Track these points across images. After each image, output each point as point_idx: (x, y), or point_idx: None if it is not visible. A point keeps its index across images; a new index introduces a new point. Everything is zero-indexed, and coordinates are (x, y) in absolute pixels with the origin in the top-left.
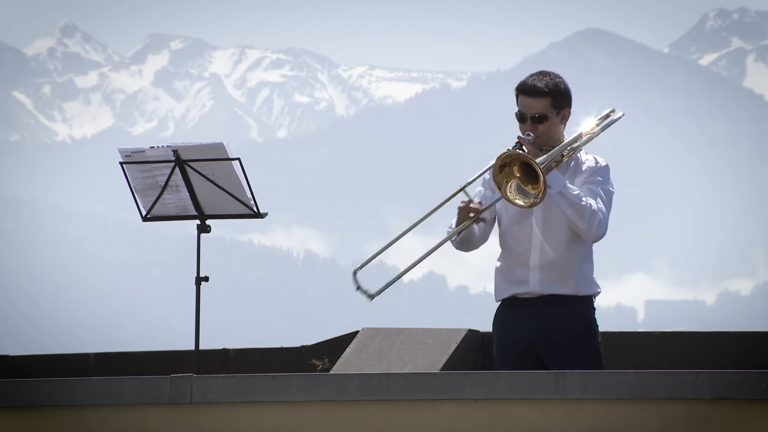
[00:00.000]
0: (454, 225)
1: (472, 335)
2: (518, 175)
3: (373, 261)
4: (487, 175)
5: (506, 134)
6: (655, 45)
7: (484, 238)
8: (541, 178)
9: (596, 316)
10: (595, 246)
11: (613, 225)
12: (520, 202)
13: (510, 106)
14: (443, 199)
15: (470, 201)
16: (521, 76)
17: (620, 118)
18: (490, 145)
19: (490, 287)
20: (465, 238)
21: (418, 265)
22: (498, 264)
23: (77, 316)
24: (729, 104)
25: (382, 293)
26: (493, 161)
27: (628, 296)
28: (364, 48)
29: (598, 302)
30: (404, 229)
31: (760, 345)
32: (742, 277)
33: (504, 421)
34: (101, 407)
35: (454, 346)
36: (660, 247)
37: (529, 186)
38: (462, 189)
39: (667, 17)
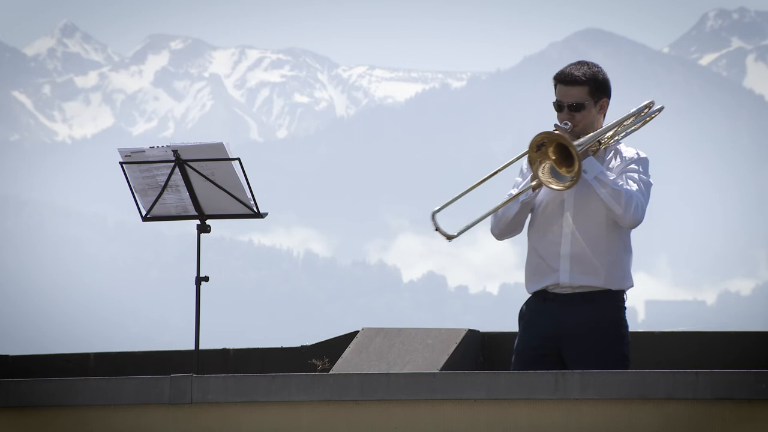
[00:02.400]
0: (514, 192)
1: (472, 335)
2: (553, 157)
3: (374, 262)
4: (524, 166)
5: (507, 134)
6: (655, 45)
7: (522, 225)
8: (577, 160)
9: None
10: None
11: None
12: (555, 186)
13: (510, 105)
14: (511, 160)
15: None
16: (521, 76)
17: (660, 110)
18: (490, 145)
19: (491, 287)
20: (519, 215)
21: (419, 267)
22: (528, 255)
23: (77, 316)
24: (729, 104)
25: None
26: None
27: (629, 296)
28: (364, 48)
29: None
30: (473, 184)
31: (760, 345)
32: (743, 277)
33: (504, 421)
34: (101, 407)
35: (454, 346)
36: (660, 247)
37: (564, 169)
38: (524, 154)
39: (667, 17)
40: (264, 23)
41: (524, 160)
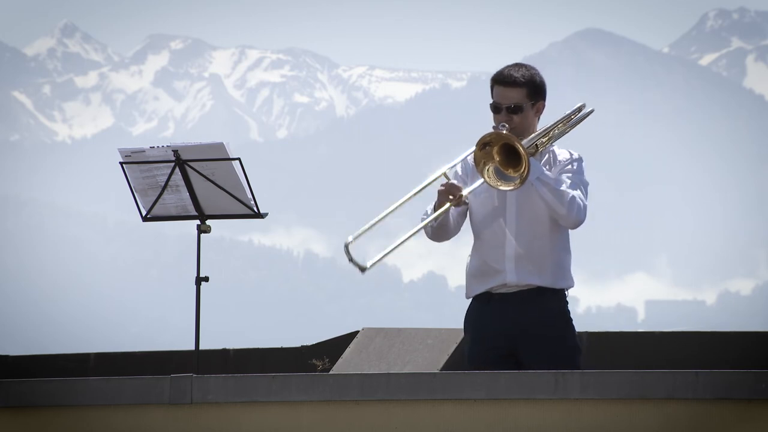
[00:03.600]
0: (429, 210)
1: None
2: (497, 158)
3: (374, 261)
4: (459, 169)
5: None
6: (655, 45)
7: (457, 228)
8: (524, 159)
9: (570, 309)
10: (596, 245)
11: (614, 224)
12: (503, 187)
13: None
14: (424, 183)
15: (450, 183)
16: None
17: (590, 113)
18: None
19: None
20: (442, 225)
21: (419, 267)
22: (470, 259)
23: (77, 316)
24: (729, 104)
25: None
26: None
27: (628, 296)
28: (364, 48)
29: (598, 302)
30: (388, 210)
31: (760, 345)
32: (743, 277)
33: (504, 421)
34: (101, 407)
35: (454, 346)
36: (660, 247)
37: (510, 170)
38: (443, 173)
39: (667, 17)
40: (264, 23)
41: (457, 168)
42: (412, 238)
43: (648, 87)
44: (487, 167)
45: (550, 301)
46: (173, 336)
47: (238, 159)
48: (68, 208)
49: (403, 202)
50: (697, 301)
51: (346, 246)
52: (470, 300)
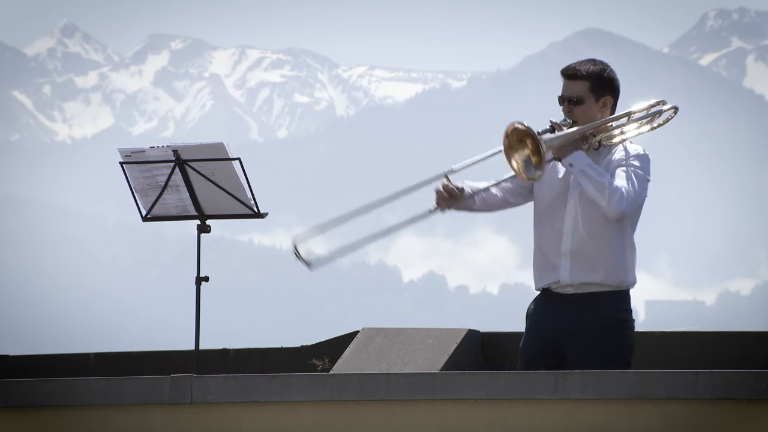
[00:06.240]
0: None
1: (472, 335)
2: (530, 146)
3: (374, 262)
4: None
5: None
6: (655, 45)
7: (504, 203)
8: (542, 153)
9: (630, 319)
10: None
11: None
12: (525, 175)
13: (510, 105)
14: (422, 181)
15: (447, 186)
16: (521, 76)
17: (672, 110)
18: (490, 145)
19: (491, 287)
20: (476, 207)
21: (419, 267)
22: (534, 250)
23: (77, 316)
24: (729, 104)
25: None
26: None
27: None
28: (364, 48)
29: None
30: (369, 205)
31: (760, 345)
32: (743, 277)
33: (504, 421)
34: (101, 407)
35: (454, 346)
36: (660, 247)
37: (535, 158)
38: (445, 174)
39: (667, 17)
40: (264, 23)
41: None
42: (412, 238)
43: (648, 87)
44: (515, 154)
45: (606, 308)
46: (173, 336)
47: (238, 159)
48: (68, 208)
49: (385, 202)
50: (697, 301)
51: (295, 247)
52: (538, 291)
